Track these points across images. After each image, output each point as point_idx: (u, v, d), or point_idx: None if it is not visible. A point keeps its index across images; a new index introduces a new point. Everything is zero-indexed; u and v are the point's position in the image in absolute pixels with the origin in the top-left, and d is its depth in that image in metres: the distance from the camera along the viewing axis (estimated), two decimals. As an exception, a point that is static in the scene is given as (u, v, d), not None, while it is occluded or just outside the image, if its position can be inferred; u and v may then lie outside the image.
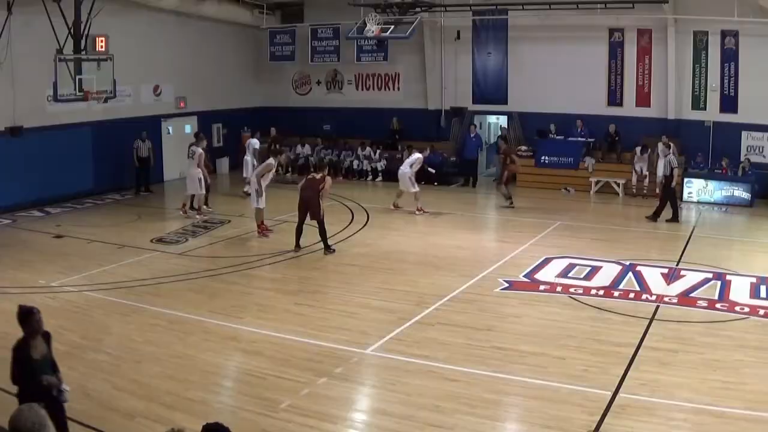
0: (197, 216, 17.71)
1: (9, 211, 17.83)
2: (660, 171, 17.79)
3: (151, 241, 15.45)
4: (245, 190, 20.27)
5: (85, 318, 10.65)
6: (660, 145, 18.81)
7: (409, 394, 8.02)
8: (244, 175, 20.67)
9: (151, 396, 7.91)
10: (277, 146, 21.96)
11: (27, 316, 6.09)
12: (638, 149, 20.07)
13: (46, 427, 3.95)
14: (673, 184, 17.41)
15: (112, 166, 20.99)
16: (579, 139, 22.04)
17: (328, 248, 14.43)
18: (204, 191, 17.98)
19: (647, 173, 20.03)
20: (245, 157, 21.03)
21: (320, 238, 14.43)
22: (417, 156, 18.78)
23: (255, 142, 21.18)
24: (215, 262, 13.72)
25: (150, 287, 12.15)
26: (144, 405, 7.67)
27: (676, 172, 17.34)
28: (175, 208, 18.44)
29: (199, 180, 17.77)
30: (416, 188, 18.35)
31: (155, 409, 7.62)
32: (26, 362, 5.95)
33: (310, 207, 14.41)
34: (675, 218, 17.27)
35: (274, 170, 16.19)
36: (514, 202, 18.97)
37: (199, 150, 17.95)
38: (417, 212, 18.11)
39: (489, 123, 26.31)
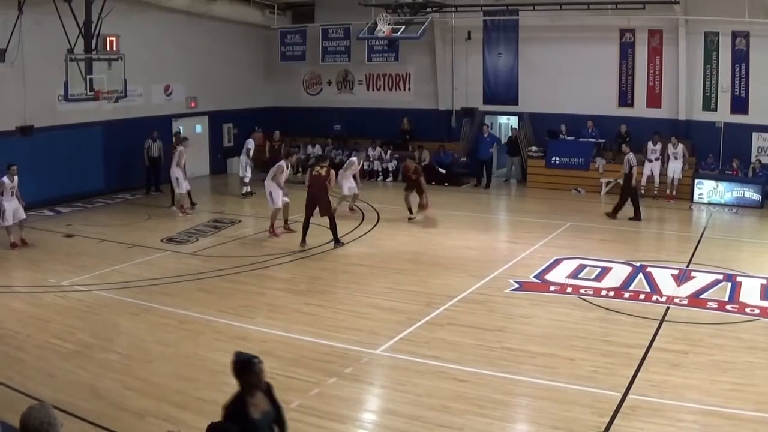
0: (179, 214, 17.98)
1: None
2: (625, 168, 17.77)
3: (162, 240, 15.50)
4: (243, 191, 20.40)
5: (95, 317, 10.70)
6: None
7: (418, 395, 8.03)
8: (240, 174, 20.95)
9: (161, 395, 7.94)
10: (278, 146, 22.23)
11: (245, 367, 4.92)
12: (650, 142, 19.95)
13: (55, 426, 3.97)
14: (633, 182, 17.47)
15: (122, 165, 21.07)
16: (589, 139, 21.95)
17: (337, 241, 14.71)
18: (183, 190, 18.15)
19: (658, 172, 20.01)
20: (240, 156, 21.19)
21: (331, 233, 14.65)
22: (351, 160, 18.96)
23: (250, 142, 21.27)
24: (225, 262, 13.75)
25: (160, 287, 12.20)
26: (154, 404, 7.71)
27: (635, 170, 17.39)
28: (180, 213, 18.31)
29: (177, 179, 17.97)
30: (347, 192, 18.26)
31: (165, 408, 7.65)
32: (243, 425, 4.88)
33: (319, 204, 14.52)
34: (637, 217, 17.32)
35: (286, 172, 16.20)
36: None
37: (180, 148, 18.08)
38: (342, 208, 18.12)
39: (500, 123, 26.19)
